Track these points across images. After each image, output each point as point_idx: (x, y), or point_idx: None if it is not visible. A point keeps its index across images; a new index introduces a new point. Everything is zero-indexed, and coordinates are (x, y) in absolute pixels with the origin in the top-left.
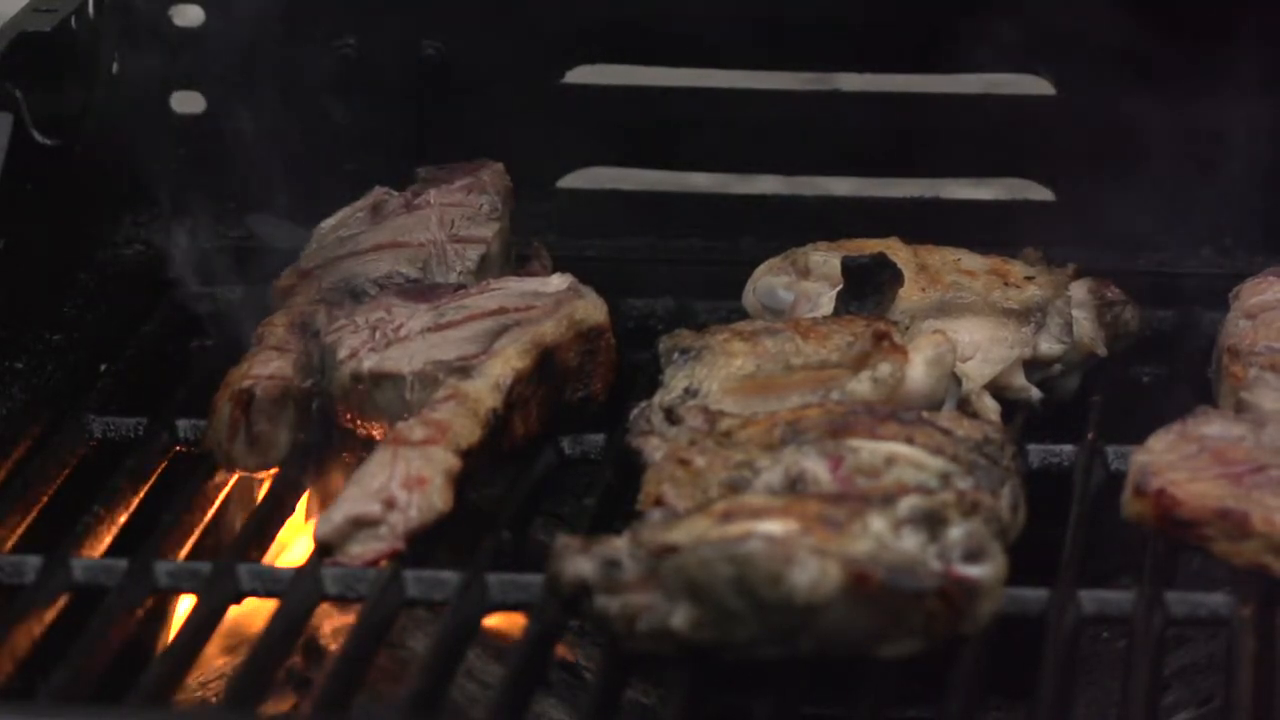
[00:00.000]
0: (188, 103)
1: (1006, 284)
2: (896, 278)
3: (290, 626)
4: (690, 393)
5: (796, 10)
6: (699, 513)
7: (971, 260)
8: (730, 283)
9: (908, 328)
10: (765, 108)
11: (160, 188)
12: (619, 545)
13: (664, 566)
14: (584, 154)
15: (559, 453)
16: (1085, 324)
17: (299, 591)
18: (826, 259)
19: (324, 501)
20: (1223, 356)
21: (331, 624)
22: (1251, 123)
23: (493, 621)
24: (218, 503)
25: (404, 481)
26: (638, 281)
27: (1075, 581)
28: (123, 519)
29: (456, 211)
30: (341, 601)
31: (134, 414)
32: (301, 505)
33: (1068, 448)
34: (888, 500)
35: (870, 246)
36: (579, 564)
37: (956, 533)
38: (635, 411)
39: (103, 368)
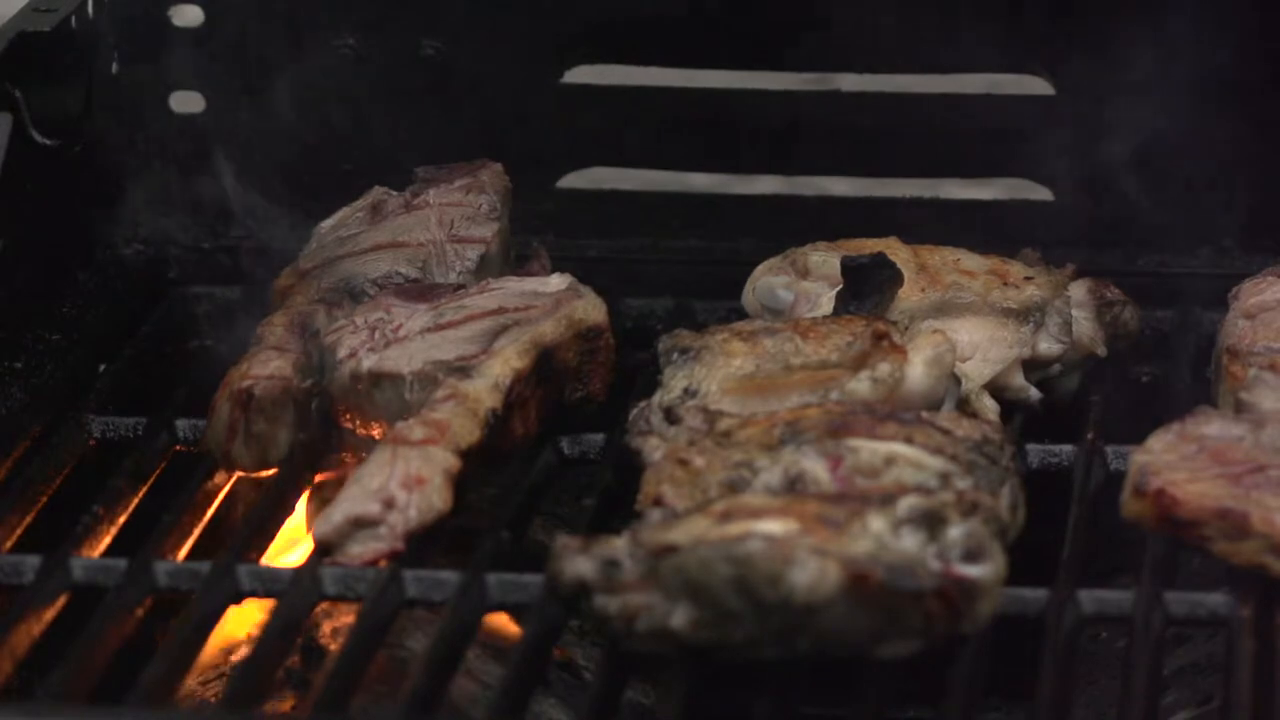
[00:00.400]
0: (188, 103)
1: (1006, 284)
2: (896, 278)
3: (289, 627)
4: (689, 393)
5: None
6: (698, 513)
7: (971, 260)
8: (730, 283)
9: (907, 328)
10: (765, 108)
11: (159, 188)
12: (618, 545)
13: (663, 566)
14: (583, 154)
15: (558, 453)
16: (1084, 324)
17: (298, 592)
18: (826, 259)
19: (323, 501)
20: (1222, 356)
21: (331, 624)
22: (1251, 122)
23: (493, 621)
24: (217, 503)
25: (403, 481)
26: (637, 281)
27: (1074, 581)
28: (122, 519)
29: (456, 211)
30: (341, 601)
31: (133, 414)
32: (301, 505)
33: (1067, 448)
34: (887, 500)
35: (870, 246)
36: (578, 564)
37: (956, 533)
38: (634, 411)
39: (102, 368)
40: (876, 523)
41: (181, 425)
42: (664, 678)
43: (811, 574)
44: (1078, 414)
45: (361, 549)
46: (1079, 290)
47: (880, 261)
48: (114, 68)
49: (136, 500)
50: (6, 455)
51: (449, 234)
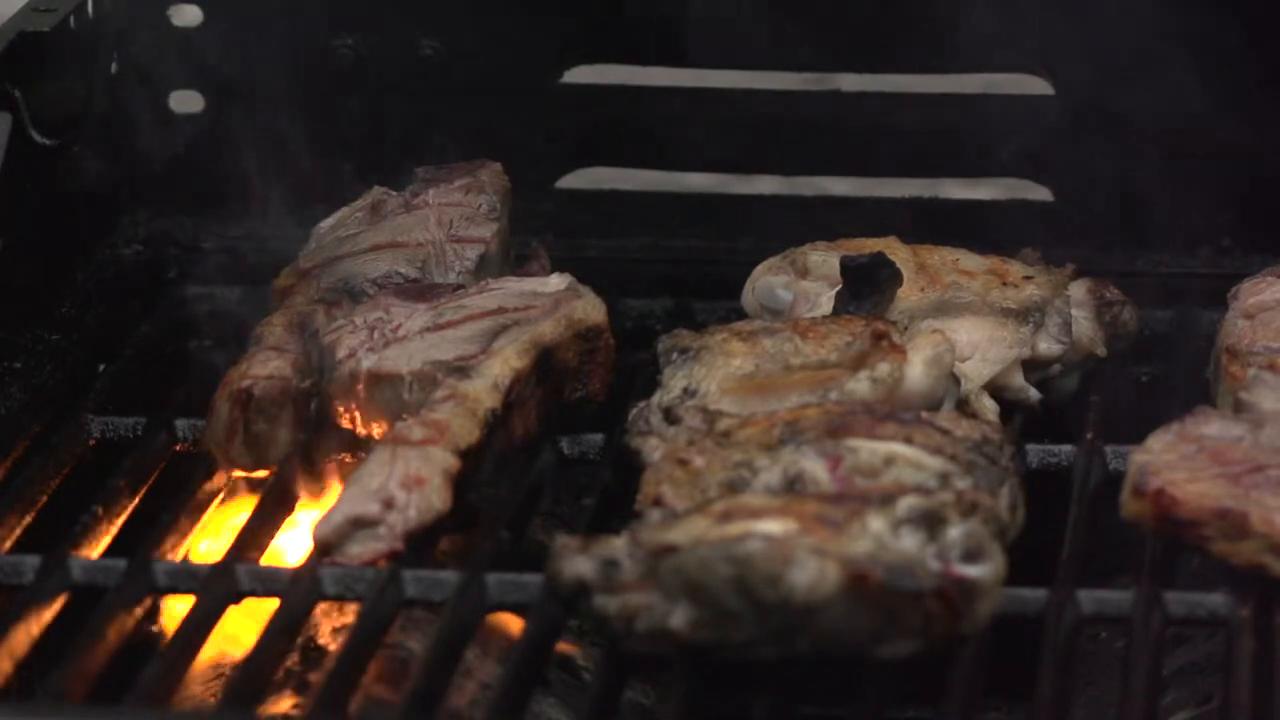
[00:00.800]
0: (187, 103)
1: (1005, 284)
2: (895, 277)
3: (289, 627)
4: (689, 393)
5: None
6: (698, 513)
7: (970, 260)
8: (729, 283)
9: (906, 327)
10: (765, 108)
11: (159, 188)
12: (618, 545)
13: (663, 566)
14: (583, 154)
15: (558, 453)
16: (1084, 324)
17: (298, 592)
18: (825, 259)
19: (322, 502)
20: (1221, 356)
21: (330, 624)
22: (1250, 122)
23: (493, 621)
24: (217, 502)
25: (403, 481)
26: (637, 281)
27: (1074, 581)
28: (122, 519)
29: (455, 211)
30: (340, 601)
31: (133, 414)
32: (300, 505)
33: (1066, 448)
34: (886, 500)
35: (869, 246)
36: (578, 564)
37: (955, 533)
38: (634, 412)
39: (101, 368)
40: (876, 523)
41: (181, 425)
42: (664, 678)
43: (811, 574)
44: (1077, 414)
45: (361, 549)
46: (1079, 290)
47: (879, 261)
48: (114, 68)
49: (136, 500)
50: (6, 455)
51: (448, 234)
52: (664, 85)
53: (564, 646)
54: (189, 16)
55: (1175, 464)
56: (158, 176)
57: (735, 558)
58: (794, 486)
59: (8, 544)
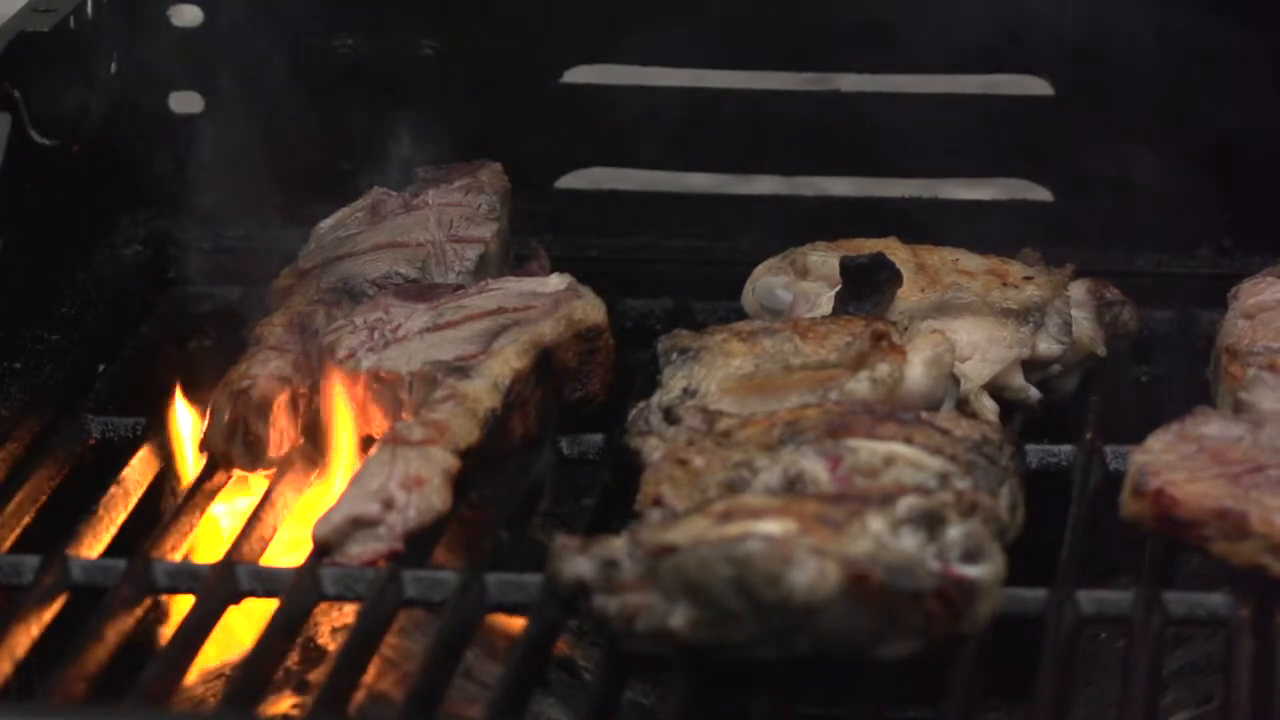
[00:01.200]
0: (187, 103)
1: (1005, 284)
2: (895, 278)
3: (289, 627)
4: (689, 393)
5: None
6: (697, 513)
7: (970, 260)
8: (729, 283)
9: (906, 328)
10: (765, 108)
11: (159, 188)
12: (617, 545)
13: (662, 567)
14: (583, 154)
15: (557, 453)
16: (1084, 324)
17: (298, 592)
18: (825, 259)
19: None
20: (1221, 356)
21: (330, 624)
22: (1250, 122)
23: (493, 621)
24: (216, 503)
25: (402, 481)
26: (637, 281)
27: (1074, 581)
28: (122, 519)
29: (455, 211)
30: (340, 601)
31: (132, 414)
32: (299, 505)
33: (1066, 448)
34: (886, 500)
35: (869, 246)
36: (577, 564)
37: (955, 533)
38: (634, 412)
39: (101, 368)
40: (876, 523)
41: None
42: (664, 678)
43: (811, 574)
44: (1077, 414)
45: (361, 549)
46: (1078, 290)
47: (879, 261)
48: (114, 68)
49: (136, 500)
50: (6, 455)
51: (448, 234)
52: (664, 85)
53: (564, 646)
54: (189, 16)
55: (1175, 464)
56: (158, 176)
57: (735, 558)
58: (794, 486)
59: (8, 544)
